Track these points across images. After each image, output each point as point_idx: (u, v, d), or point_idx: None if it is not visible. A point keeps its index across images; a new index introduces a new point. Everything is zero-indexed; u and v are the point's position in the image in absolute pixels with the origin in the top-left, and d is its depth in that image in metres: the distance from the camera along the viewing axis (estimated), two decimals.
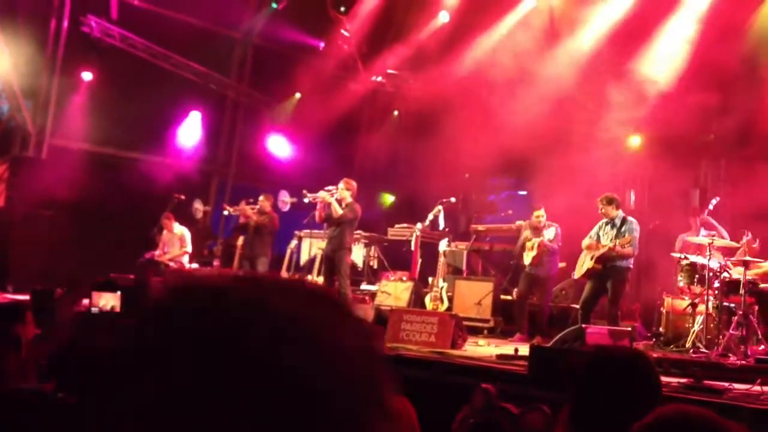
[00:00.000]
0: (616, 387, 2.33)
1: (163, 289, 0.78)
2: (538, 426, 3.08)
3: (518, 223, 11.97)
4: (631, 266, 9.67)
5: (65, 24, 14.22)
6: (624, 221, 9.55)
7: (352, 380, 0.75)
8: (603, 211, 9.61)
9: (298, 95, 16.79)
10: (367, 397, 0.75)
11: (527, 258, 10.77)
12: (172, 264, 12.81)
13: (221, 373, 0.69)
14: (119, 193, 14.11)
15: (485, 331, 11.14)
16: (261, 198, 12.30)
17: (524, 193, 14.84)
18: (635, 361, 2.47)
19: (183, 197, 13.61)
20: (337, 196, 10.79)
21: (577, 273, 9.86)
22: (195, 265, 13.63)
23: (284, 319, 0.74)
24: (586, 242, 9.74)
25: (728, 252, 9.19)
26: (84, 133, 14.55)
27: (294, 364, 0.71)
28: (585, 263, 9.60)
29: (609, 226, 9.62)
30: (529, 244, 10.76)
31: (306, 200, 11.21)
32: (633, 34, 12.35)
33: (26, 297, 9.41)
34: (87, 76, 14.71)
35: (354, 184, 10.99)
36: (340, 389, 0.73)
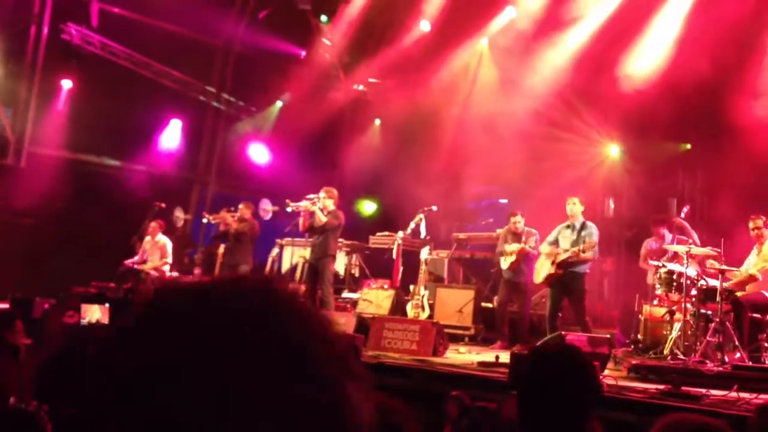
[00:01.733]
0: (553, 382, 2.45)
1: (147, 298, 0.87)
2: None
3: (498, 231, 12.03)
4: (588, 271, 9.85)
5: (45, 31, 14.14)
6: (584, 225, 9.73)
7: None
8: (572, 210, 9.75)
9: (279, 103, 16.81)
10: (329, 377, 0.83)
11: (505, 263, 10.83)
12: (153, 273, 12.77)
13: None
14: (99, 201, 14.05)
15: (466, 339, 11.19)
16: (241, 206, 12.29)
17: (505, 201, 14.92)
18: (571, 355, 2.60)
19: (163, 205, 13.58)
20: (320, 205, 10.82)
21: (537, 278, 9.97)
22: (176, 274, 13.59)
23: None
24: (545, 248, 9.89)
25: (703, 259, 9.32)
26: (64, 140, 14.45)
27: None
28: (545, 268, 9.72)
29: (569, 230, 9.78)
30: (507, 249, 10.84)
31: (289, 209, 11.22)
32: (612, 43, 12.48)
33: (5, 305, 9.36)
34: (67, 83, 14.65)
35: (335, 192, 11.04)
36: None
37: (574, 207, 9.82)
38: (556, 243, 9.85)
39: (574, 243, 9.59)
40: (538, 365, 2.56)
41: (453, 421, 3.24)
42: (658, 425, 1.60)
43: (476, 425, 2.92)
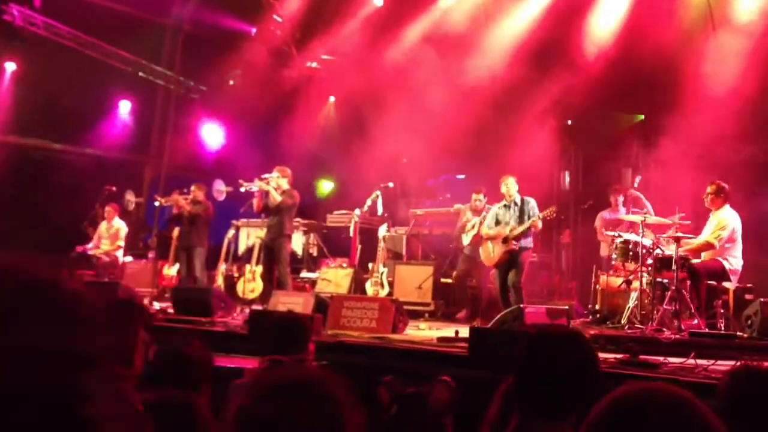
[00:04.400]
0: (556, 365, 2.39)
1: None
2: (445, 398, 3.10)
3: (456, 206, 12.01)
4: (532, 246, 9.85)
5: None
6: (524, 201, 9.68)
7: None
8: (510, 189, 9.67)
9: (231, 82, 16.51)
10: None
11: (466, 239, 10.83)
12: (105, 258, 12.51)
13: None
14: (47, 187, 13.70)
15: (426, 315, 11.16)
16: (193, 187, 12.06)
17: (462, 177, 14.90)
18: (574, 339, 2.54)
19: (114, 189, 13.30)
20: (273, 185, 10.66)
21: (489, 260, 9.89)
22: (129, 258, 13.35)
23: None
24: (487, 231, 9.83)
25: (659, 229, 9.38)
26: (8, 125, 14.05)
27: None
28: (495, 249, 9.66)
29: (508, 209, 9.71)
30: (469, 225, 10.82)
31: (242, 189, 11.06)
32: (566, 12, 12.43)
33: None
34: (10, 66, 14.24)
35: (289, 171, 10.88)
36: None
37: (513, 186, 9.74)
38: (497, 223, 9.81)
39: (521, 218, 9.57)
40: (541, 350, 2.48)
41: (383, 408, 3.16)
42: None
43: (405, 413, 2.86)
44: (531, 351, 2.48)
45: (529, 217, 9.50)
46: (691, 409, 1.37)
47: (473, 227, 10.71)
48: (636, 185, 10.56)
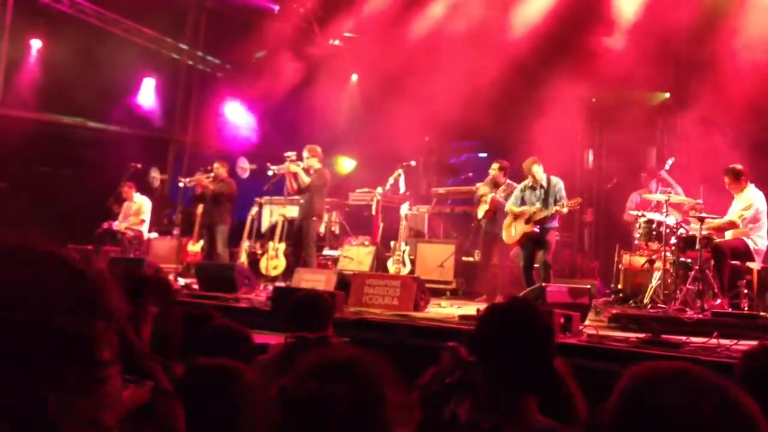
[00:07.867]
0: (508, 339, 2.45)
1: None
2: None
3: (478, 185, 11.99)
4: (557, 225, 9.81)
5: None
6: (550, 183, 9.62)
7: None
8: (537, 172, 9.61)
9: (254, 59, 16.52)
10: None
11: (480, 211, 10.80)
12: (129, 233, 12.64)
13: None
14: (73, 163, 13.83)
15: (448, 293, 11.20)
16: (216, 165, 12.13)
17: (484, 155, 14.87)
18: (526, 312, 2.58)
19: (139, 166, 13.41)
20: (304, 165, 10.69)
21: (509, 239, 9.89)
22: (155, 234, 13.47)
23: None
24: (513, 209, 9.82)
25: (687, 210, 9.32)
26: (35, 102, 14.18)
27: None
28: (517, 228, 9.66)
29: (534, 190, 9.66)
30: (484, 198, 10.79)
31: (270, 173, 11.09)
32: None
33: None
34: (36, 43, 14.34)
35: (318, 149, 10.91)
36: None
37: (538, 173, 9.66)
38: (522, 204, 9.77)
39: (546, 200, 9.54)
40: (487, 319, 2.56)
41: (446, 371, 3.16)
42: (626, 379, 1.44)
43: (467, 379, 2.86)
44: (484, 325, 2.54)
45: (555, 200, 9.46)
46: (720, 388, 1.33)
47: (487, 201, 10.66)
48: (668, 167, 10.44)
